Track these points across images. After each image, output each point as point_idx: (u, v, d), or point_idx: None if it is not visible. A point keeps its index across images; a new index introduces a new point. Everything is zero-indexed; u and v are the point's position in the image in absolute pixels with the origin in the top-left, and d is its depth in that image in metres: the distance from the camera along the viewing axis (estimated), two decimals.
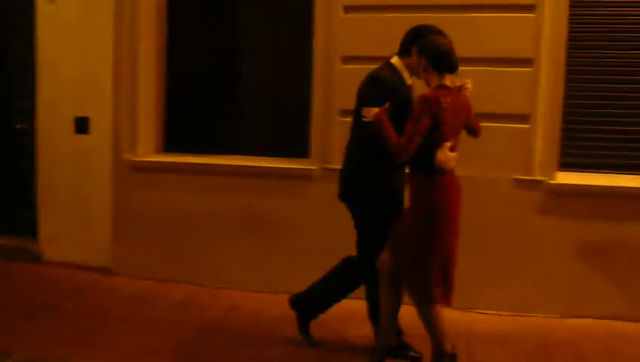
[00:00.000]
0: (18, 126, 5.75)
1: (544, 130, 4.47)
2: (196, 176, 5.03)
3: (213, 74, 5.32)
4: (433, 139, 3.26)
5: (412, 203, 3.42)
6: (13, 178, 5.88)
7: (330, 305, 3.86)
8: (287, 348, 3.87)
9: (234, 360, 3.74)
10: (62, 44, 5.35)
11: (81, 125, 5.37)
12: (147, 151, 5.27)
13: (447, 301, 3.42)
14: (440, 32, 3.50)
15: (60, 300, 4.65)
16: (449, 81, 3.35)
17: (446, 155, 3.30)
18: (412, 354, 3.72)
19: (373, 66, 4.53)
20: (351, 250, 4.63)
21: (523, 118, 4.46)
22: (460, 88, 3.45)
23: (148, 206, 5.13)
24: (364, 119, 3.38)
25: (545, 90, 4.44)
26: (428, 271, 3.32)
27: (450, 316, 4.27)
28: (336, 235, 4.70)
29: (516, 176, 4.49)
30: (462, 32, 4.40)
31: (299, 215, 4.80)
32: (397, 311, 3.57)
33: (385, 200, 3.56)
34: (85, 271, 5.26)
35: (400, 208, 3.57)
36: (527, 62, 4.44)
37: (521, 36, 4.43)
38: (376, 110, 3.33)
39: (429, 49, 3.34)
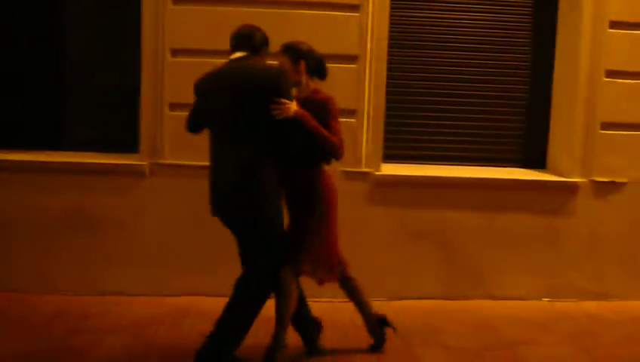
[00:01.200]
0: None
1: (370, 125, 4.71)
2: (19, 175, 4.64)
3: (37, 66, 4.93)
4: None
5: (309, 196, 3.53)
6: None
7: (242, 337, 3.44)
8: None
9: None
10: None
11: None
12: None
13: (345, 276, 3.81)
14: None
15: None
16: (318, 84, 3.63)
17: None
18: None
19: (204, 60, 4.52)
20: (182, 246, 4.62)
21: (350, 112, 4.66)
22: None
23: None
24: (278, 115, 3.21)
25: (369, 87, 4.68)
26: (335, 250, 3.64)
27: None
28: (168, 233, 4.63)
29: (345, 169, 4.68)
30: (292, 29, 4.53)
31: (129, 213, 4.62)
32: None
33: (280, 210, 3.44)
34: None
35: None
36: (353, 59, 4.64)
37: (347, 34, 4.62)
38: (294, 104, 3.26)
39: (310, 56, 3.56)
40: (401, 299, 4.72)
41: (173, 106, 4.57)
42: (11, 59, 4.94)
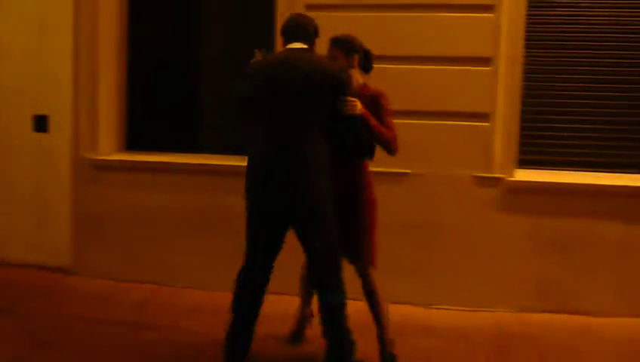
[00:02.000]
0: None
1: (503, 128, 4.54)
2: (157, 175, 4.97)
3: (175, 71, 5.28)
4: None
5: (363, 190, 3.54)
6: None
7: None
8: None
9: (194, 360, 3.71)
10: (21, 38, 5.25)
11: (40, 123, 5.28)
12: (108, 149, 5.19)
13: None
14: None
15: (17, 302, 4.55)
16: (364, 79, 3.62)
17: None
18: None
19: None
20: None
21: (483, 116, 4.53)
22: None
23: (108, 205, 5.07)
24: (346, 112, 3.24)
25: (503, 89, 4.51)
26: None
27: (408, 311, 4.38)
28: None
29: (476, 174, 4.54)
30: (423, 31, 4.52)
31: None
32: None
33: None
34: (43, 272, 5.16)
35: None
36: (486, 60, 4.50)
37: (480, 35, 4.49)
38: (359, 102, 3.28)
39: (361, 50, 3.56)
40: (533, 311, 4.49)
41: None
42: (156, 67, 5.33)
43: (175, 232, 4.95)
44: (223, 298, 4.40)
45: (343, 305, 3.32)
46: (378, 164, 4.54)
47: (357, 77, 3.55)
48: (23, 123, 5.28)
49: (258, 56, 3.55)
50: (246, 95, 3.40)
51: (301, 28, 3.41)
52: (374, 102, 3.44)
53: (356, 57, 3.53)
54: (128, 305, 4.53)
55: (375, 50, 4.56)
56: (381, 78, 4.53)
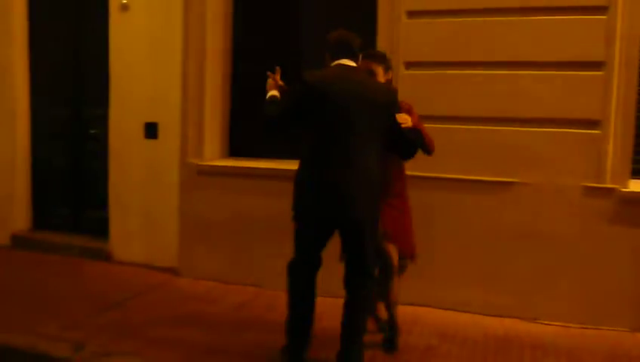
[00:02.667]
0: (92, 131, 6.02)
1: (616, 136, 4.31)
2: (261, 181, 5.11)
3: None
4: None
5: (404, 190, 3.90)
6: (87, 180, 6.16)
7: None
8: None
9: None
10: (133, 52, 5.57)
11: (151, 130, 5.57)
12: (213, 155, 5.40)
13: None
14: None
15: (128, 298, 4.83)
16: None
17: None
18: None
19: (436, 72, 4.57)
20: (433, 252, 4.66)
21: (594, 123, 4.32)
22: None
23: (213, 209, 5.26)
24: (404, 125, 3.52)
25: (617, 95, 4.28)
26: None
27: (513, 325, 4.25)
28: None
29: (586, 184, 4.34)
30: (531, 36, 4.37)
31: None
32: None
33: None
34: (152, 271, 5.46)
35: None
36: (598, 65, 4.29)
37: (592, 39, 4.29)
38: (409, 118, 3.59)
39: (387, 58, 3.85)
40: None
41: None
42: (259, 76, 5.46)
43: (276, 236, 5.02)
44: (324, 303, 4.49)
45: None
46: (482, 173, 4.51)
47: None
48: (136, 130, 5.59)
49: (272, 78, 3.74)
50: (295, 105, 3.49)
51: (348, 45, 3.55)
52: (408, 112, 3.71)
53: (390, 73, 3.82)
54: (230, 306, 4.67)
55: (480, 57, 4.52)
56: (488, 85, 4.48)
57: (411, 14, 4.68)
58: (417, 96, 4.59)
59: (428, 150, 3.80)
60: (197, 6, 5.28)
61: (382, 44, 4.74)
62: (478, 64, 4.52)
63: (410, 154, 3.66)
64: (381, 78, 3.68)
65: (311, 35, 5.34)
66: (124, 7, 5.56)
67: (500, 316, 4.44)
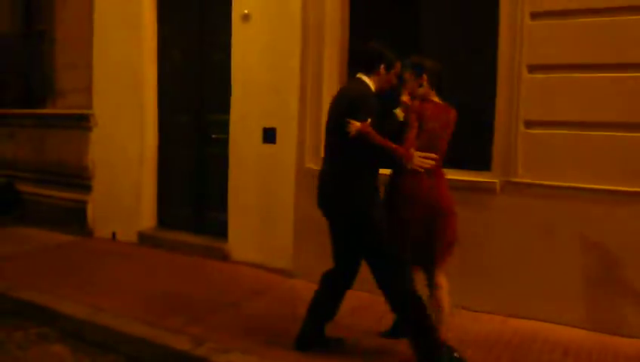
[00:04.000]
0: (214, 136, 6.29)
1: None
2: None
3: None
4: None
5: (404, 199, 3.75)
6: (209, 182, 6.44)
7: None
8: None
9: None
10: (253, 60, 5.77)
11: (269, 135, 5.72)
12: None
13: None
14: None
15: (245, 297, 4.98)
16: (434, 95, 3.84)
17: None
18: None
19: (560, 75, 4.37)
20: (531, 268, 4.46)
21: None
22: (435, 102, 3.83)
23: None
24: (350, 134, 3.61)
25: None
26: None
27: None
28: (517, 253, 4.51)
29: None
30: None
31: (479, 229, 4.62)
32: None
33: (375, 209, 3.74)
34: (267, 272, 5.60)
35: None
36: None
37: None
38: (358, 124, 3.60)
39: (431, 69, 3.82)
40: None
41: (529, 124, 4.46)
42: None
43: None
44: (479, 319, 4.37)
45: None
46: (610, 182, 4.22)
47: (425, 94, 3.80)
48: (255, 135, 5.77)
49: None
50: None
51: (359, 57, 4.02)
52: (415, 112, 3.74)
53: (425, 77, 3.79)
54: (345, 310, 4.67)
55: (607, 59, 4.23)
56: (619, 88, 4.18)
57: (535, 15, 4.48)
58: (541, 100, 4.43)
59: (394, 163, 3.70)
60: (315, 14, 5.38)
61: (504, 47, 4.58)
62: (608, 66, 4.24)
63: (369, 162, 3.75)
64: (412, 83, 3.85)
65: (432, 39, 5.26)
66: (246, 17, 5.77)
67: (632, 337, 4.12)
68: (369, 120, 3.62)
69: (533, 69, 4.47)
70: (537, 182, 4.43)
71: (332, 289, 4.04)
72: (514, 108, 4.52)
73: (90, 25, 6.95)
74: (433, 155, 3.71)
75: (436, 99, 3.85)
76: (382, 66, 3.84)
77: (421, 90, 3.82)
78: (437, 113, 3.77)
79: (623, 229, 4.20)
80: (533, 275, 4.46)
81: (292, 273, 5.50)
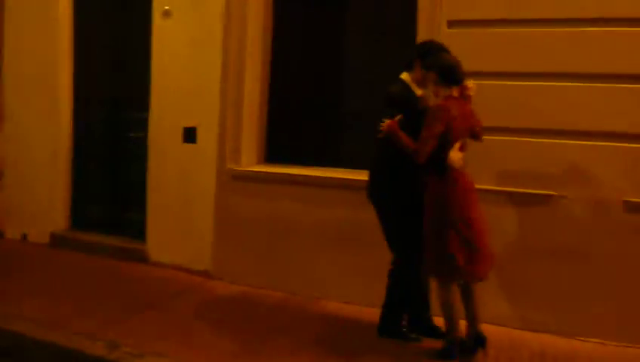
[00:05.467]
0: (132, 134, 6.13)
1: None
2: (297, 187, 5.12)
3: (316, 86, 5.43)
4: (444, 143, 3.74)
5: (429, 200, 3.84)
6: (126, 182, 6.27)
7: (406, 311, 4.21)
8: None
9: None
10: (174, 58, 5.66)
11: (189, 135, 5.64)
12: (250, 161, 5.44)
13: (477, 276, 3.85)
14: (443, 48, 3.99)
15: (163, 300, 4.89)
16: (455, 92, 3.84)
17: (457, 154, 3.80)
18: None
19: (479, 82, 4.51)
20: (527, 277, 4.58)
21: (638, 137, 4.21)
22: (463, 93, 3.90)
23: (248, 214, 5.29)
24: (379, 134, 3.84)
25: None
26: (449, 256, 3.75)
27: (551, 342, 4.16)
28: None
29: (628, 199, 4.23)
30: (579, 47, 4.27)
31: None
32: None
33: (404, 201, 3.96)
34: (187, 274, 5.51)
35: (419, 209, 3.88)
36: None
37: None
38: (388, 122, 3.80)
39: (438, 64, 3.83)
40: None
41: None
42: (297, 82, 5.51)
43: (310, 243, 5.06)
44: (358, 311, 4.46)
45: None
46: (520, 185, 4.44)
47: (436, 92, 3.85)
48: (175, 134, 5.67)
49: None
50: None
51: (409, 58, 4.04)
52: (430, 115, 3.79)
53: (432, 74, 3.84)
54: (264, 311, 4.69)
55: (523, 68, 4.43)
56: (534, 96, 4.40)
57: (452, 24, 4.63)
58: None
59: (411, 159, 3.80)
60: (237, 13, 5.34)
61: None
62: (523, 75, 4.45)
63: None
64: (431, 79, 3.90)
65: (352, 42, 5.35)
66: (167, 13, 5.66)
67: (537, 331, 4.35)
68: (398, 116, 3.80)
69: None
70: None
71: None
72: None
73: (0, 16, 6.61)
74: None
75: (455, 94, 3.85)
76: (418, 63, 3.95)
77: (431, 88, 3.87)
78: (460, 110, 3.81)
79: (530, 230, 4.44)
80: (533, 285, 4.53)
81: (213, 275, 5.44)
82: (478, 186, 4.30)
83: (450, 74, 3.81)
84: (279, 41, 5.52)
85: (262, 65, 5.48)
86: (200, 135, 5.58)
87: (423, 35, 4.70)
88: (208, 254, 5.48)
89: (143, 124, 5.91)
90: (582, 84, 4.29)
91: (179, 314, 4.62)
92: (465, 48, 4.52)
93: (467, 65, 4.48)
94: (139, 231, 5.96)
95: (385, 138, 3.84)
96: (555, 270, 4.36)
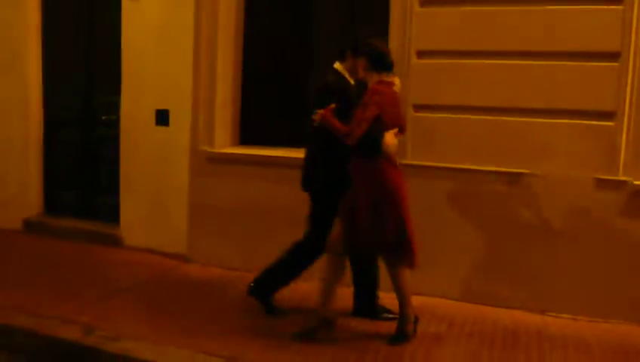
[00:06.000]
0: (104, 117, 6.05)
1: (629, 129, 4.25)
2: (270, 169, 5.11)
3: (288, 68, 5.40)
4: (376, 127, 3.70)
5: (360, 184, 3.80)
6: (99, 166, 6.20)
7: (285, 284, 4.36)
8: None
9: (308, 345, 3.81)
10: (145, 41, 5.58)
11: (162, 117, 5.58)
12: (223, 143, 5.41)
13: (411, 264, 3.84)
14: (376, 36, 4.03)
15: (136, 283, 4.86)
16: (385, 77, 3.84)
17: (392, 139, 3.77)
18: (388, 315, 4.19)
19: (448, 61, 4.54)
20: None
21: (608, 115, 4.27)
22: (390, 84, 3.87)
23: (222, 196, 5.28)
24: (313, 123, 3.85)
25: (632, 86, 4.22)
26: (403, 238, 3.79)
27: (523, 318, 4.23)
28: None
29: (598, 176, 4.30)
30: (545, 25, 4.32)
31: None
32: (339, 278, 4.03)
33: (335, 189, 3.95)
34: (162, 257, 5.49)
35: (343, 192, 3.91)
36: (614, 56, 4.23)
37: (607, 29, 4.23)
38: (321, 112, 3.79)
39: (367, 50, 3.84)
40: None
41: (418, 108, 4.63)
42: (269, 65, 5.47)
43: (284, 224, 5.04)
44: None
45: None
46: (492, 164, 4.48)
47: (369, 76, 3.85)
48: (147, 117, 5.61)
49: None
50: None
51: (342, 49, 4.06)
52: (370, 96, 3.79)
53: (362, 61, 3.85)
54: (237, 293, 4.68)
55: (490, 46, 4.47)
56: (498, 74, 4.44)
57: (424, 3, 4.64)
58: (429, 85, 4.61)
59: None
60: None
61: (394, 32, 4.71)
62: (491, 53, 4.48)
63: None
64: (351, 64, 4.00)
65: (323, 25, 5.33)
66: None
67: (509, 307, 4.42)
68: (332, 105, 3.77)
69: (421, 54, 4.64)
70: (423, 163, 4.61)
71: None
72: (404, 92, 4.66)
73: None
74: None
75: (385, 78, 3.84)
76: (349, 52, 3.98)
77: (362, 74, 3.88)
78: (391, 96, 3.83)
79: (502, 207, 4.49)
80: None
81: (187, 258, 5.42)
82: (450, 165, 4.35)
83: (379, 59, 3.82)
84: (252, 23, 5.47)
85: (235, 48, 5.43)
86: (173, 118, 5.53)
87: (395, 15, 4.70)
88: (183, 237, 5.46)
89: (115, 107, 5.83)
90: (551, 63, 4.34)
91: (155, 296, 4.61)
92: (438, 27, 4.57)
93: (438, 44, 4.56)
94: (113, 216, 5.91)
95: (319, 128, 3.84)
96: (526, 247, 4.43)
